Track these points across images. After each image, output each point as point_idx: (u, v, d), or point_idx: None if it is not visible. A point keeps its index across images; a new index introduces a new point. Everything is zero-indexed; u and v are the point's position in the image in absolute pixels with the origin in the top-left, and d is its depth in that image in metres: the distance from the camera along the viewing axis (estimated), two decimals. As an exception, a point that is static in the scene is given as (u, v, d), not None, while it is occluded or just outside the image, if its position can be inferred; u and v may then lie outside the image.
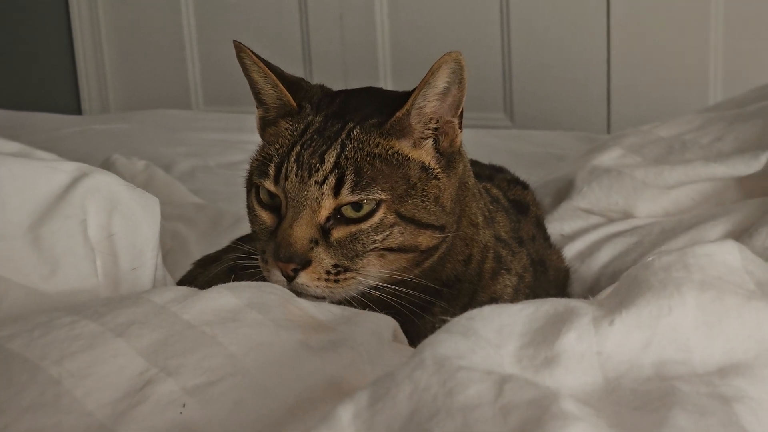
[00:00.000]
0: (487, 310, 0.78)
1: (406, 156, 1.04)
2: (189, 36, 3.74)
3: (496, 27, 3.27)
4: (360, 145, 1.04)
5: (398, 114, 1.03)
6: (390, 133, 1.04)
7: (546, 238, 1.32)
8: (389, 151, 1.04)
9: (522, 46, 3.25)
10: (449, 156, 1.07)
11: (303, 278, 1.02)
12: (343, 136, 1.04)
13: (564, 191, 1.53)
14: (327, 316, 0.93)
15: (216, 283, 0.97)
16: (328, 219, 1.03)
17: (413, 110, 1.04)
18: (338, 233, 1.03)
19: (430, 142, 1.05)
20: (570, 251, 1.39)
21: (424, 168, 1.05)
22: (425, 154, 1.05)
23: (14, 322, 0.86)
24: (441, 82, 1.03)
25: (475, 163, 1.30)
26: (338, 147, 1.03)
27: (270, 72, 1.11)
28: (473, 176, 1.14)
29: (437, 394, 0.68)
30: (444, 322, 0.78)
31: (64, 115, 3.11)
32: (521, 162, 1.89)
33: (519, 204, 1.29)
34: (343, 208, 1.02)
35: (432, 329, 1.00)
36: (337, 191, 1.02)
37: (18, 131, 2.20)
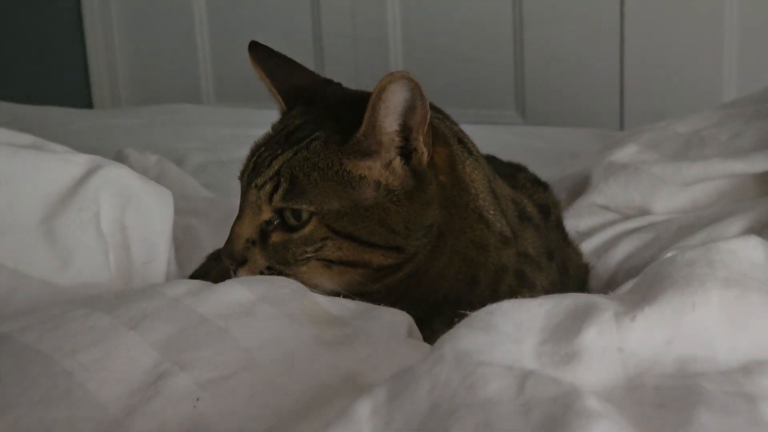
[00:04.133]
0: (507, 304, 0.77)
1: (357, 175, 1.02)
2: (200, 30, 3.74)
3: (508, 23, 3.27)
4: (308, 156, 1.02)
5: (357, 135, 1.01)
6: (350, 151, 1.02)
7: (565, 237, 1.30)
8: (335, 168, 1.02)
9: (534, 43, 3.24)
10: (420, 175, 1.04)
11: (240, 275, 1.03)
12: (303, 144, 1.03)
13: (580, 187, 1.51)
14: (342, 310, 0.92)
15: (229, 277, 0.96)
16: (269, 222, 1.03)
17: (370, 132, 1.01)
18: (275, 238, 1.03)
19: (397, 161, 1.02)
20: (586, 247, 1.37)
21: (378, 188, 1.02)
22: (388, 175, 1.02)
23: (27, 314, 0.86)
24: (396, 99, 0.99)
25: (494, 160, 1.28)
26: (290, 154, 1.03)
27: (263, 74, 1.13)
28: (485, 196, 1.09)
29: (457, 389, 0.67)
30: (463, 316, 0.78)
31: (76, 109, 3.10)
32: (534, 158, 1.87)
33: (541, 208, 1.26)
34: (285, 215, 1.02)
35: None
36: (271, 197, 1.02)
37: (30, 125, 2.19)
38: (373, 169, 1.02)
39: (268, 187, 1.03)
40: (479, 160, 1.10)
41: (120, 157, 1.87)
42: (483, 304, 1.03)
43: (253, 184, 1.04)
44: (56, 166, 1.07)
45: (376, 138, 1.01)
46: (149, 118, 2.73)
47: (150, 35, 3.83)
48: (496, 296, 1.06)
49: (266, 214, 1.03)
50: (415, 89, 0.99)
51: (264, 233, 1.04)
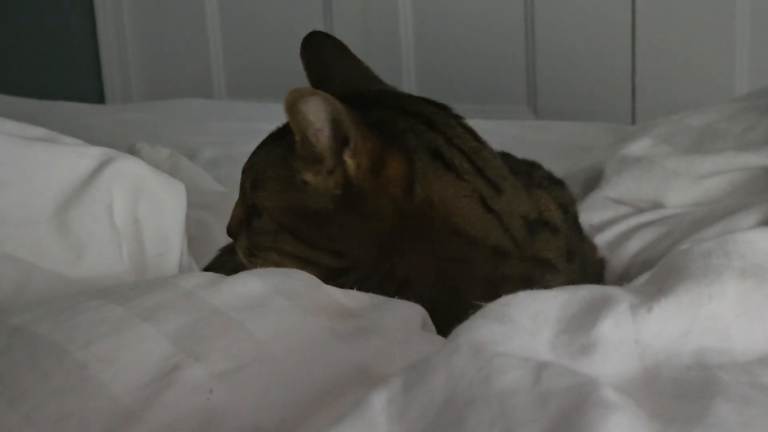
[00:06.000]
0: (522, 296, 0.77)
1: (301, 179, 1.04)
2: (212, 25, 3.74)
3: (520, 19, 3.26)
4: (276, 153, 1.06)
5: (296, 143, 1.03)
6: (297, 156, 1.03)
7: (581, 234, 1.29)
8: (286, 169, 1.04)
9: (546, 38, 3.24)
10: (357, 187, 1.03)
11: (238, 249, 1.11)
12: (283, 140, 1.06)
13: (593, 181, 1.51)
14: (355, 303, 0.92)
15: (242, 270, 0.96)
16: (251, 207, 1.08)
17: (304, 141, 1.02)
18: (255, 223, 1.08)
19: (339, 171, 1.02)
20: (599, 241, 1.37)
21: (318, 194, 1.04)
22: (330, 182, 1.03)
23: (40, 305, 0.86)
24: (314, 114, 1.00)
25: (508, 157, 1.27)
26: (269, 148, 1.08)
27: (303, 64, 1.17)
28: (467, 212, 1.05)
29: (473, 380, 0.66)
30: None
31: (88, 104, 3.11)
32: (546, 153, 1.86)
33: (561, 207, 1.25)
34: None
35: None
36: (246, 185, 1.09)
37: (42, 120, 2.19)
38: (319, 174, 1.03)
39: (245, 175, 1.09)
40: (466, 176, 1.06)
41: (132, 152, 1.87)
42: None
43: (242, 169, 1.10)
44: (69, 159, 1.07)
45: (316, 147, 1.02)
46: (161, 112, 2.73)
47: (162, 30, 3.84)
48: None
49: (248, 200, 1.08)
50: (328, 105, 1.00)
51: (248, 216, 1.09)
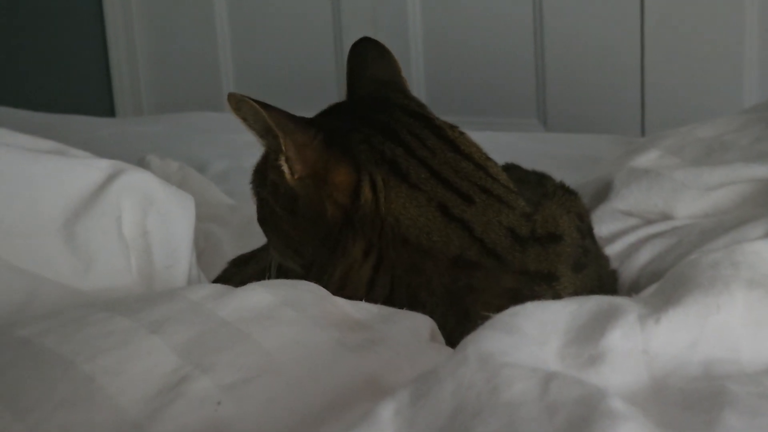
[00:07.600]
0: (530, 306, 0.77)
1: (272, 180, 1.09)
2: (222, 38, 3.74)
3: (529, 32, 3.26)
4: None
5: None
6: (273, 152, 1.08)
7: (596, 244, 1.27)
8: (270, 163, 1.08)
9: (556, 51, 3.24)
10: (296, 190, 1.07)
11: None
12: None
13: (602, 193, 1.50)
14: (364, 314, 0.92)
15: (251, 282, 0.96)
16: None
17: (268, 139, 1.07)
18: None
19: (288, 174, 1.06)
20: (609, 253, 1.37)
21: (277, 195, 1.10)
22: (281, 183, 1.08)
23: (47, 318, 0.86)
24: (248, 117, 1.05)
25: (517, 168, 1.27)
26: None
27: (347, 70, 1.19)
28: (421, 223, 1.04)
29: (481, 391, 0.66)
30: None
31: (98, 117, 3.12)
32: (556, 165, 1.86)
33: (577, 216, 1.23)
34: None
35: None
36: None
37: (53, 133, 2.19)
38: (283, 175, 1.05)
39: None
40: (422, 185, 1.04)
41: (142, 164, 1.87)
42: (450, 326, 1.01)
43: None
44: (78, 171, 1.08)
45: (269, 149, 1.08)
46: (171, 125, 2.73)
47: (172, 43, 3.85)
48: (467, 317, 1.01)
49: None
50: (250, 111, 1.03)
51: None
